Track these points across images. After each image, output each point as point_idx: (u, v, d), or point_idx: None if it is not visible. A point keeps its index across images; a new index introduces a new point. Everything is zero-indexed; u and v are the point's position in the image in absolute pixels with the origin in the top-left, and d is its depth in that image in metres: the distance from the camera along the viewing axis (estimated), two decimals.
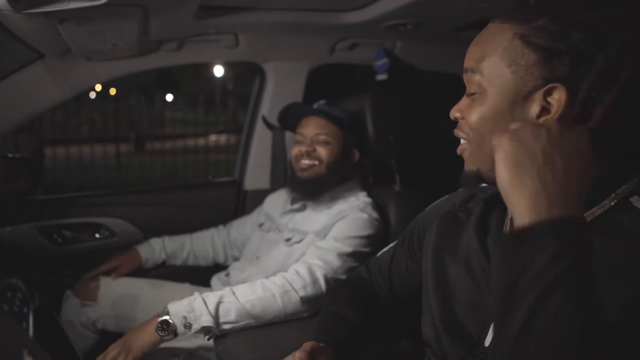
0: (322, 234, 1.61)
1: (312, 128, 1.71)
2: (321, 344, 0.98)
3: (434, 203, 1.11)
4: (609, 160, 0.73)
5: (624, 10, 0.69)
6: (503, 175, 0.64)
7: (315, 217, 1.69)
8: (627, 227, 0.68)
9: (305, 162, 1.70)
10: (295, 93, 2.25)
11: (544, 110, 0.72)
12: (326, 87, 2.54)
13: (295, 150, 1.74)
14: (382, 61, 2.20)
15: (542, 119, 0.72)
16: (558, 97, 0.71)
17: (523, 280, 0.58)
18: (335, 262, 1.50)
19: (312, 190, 1.70)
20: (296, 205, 1.77)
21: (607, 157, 0.72)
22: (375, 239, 1.60)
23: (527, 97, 0.73)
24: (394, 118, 1.83)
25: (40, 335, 0.89)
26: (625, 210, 0.71)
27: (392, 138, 1.80)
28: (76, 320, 1.72)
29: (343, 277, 1.49)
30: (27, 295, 0.92)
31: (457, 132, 0.84)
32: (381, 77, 2.22)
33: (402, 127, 1.83)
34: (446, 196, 1.08)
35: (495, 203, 0.90)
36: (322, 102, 1.78)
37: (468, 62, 0.80)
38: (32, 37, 1.56)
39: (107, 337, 1.73)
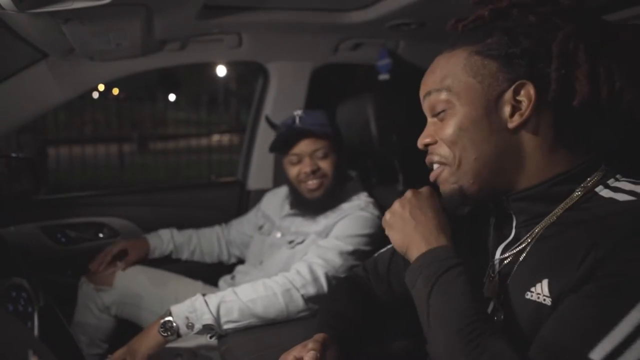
0: (324, 233, 1.61)
1: (307, 146, 1.65)
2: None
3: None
4: (575, 155, 0.79)
5: (555, 8, 0.77)
6: (396, 241, 0.91)
7: (317, 218, 1.69)
8: (597, 212, 0.74)
9: (314, 182, 1.65)
10: (299, 93, 2.25)
11: (515, 109, 0.79)
12: (329, 86, 2.54)
13: (295, 172, 1.67)
14: (385, 61, 2.19)
15: (517, 114, 0.78)
16: (526, 92, 0.77)
17: (417, 287, 0.83)
18: (336, 261, 1.50)
19: (324, 205, 1.68)
20: (296, 210, 1.77)
21: (575, 151, 0.79)
22: (377, 238, 1.60)
23: (497, 100, 0.79)
24: (397, 118, 1.82)
25: (45, 335, 0.89)
26: (592, 200, 0.76)
27: (395, 138, 1.79)
28: (93, 305, 1.77)
29: (344, 275, 1.49)
30: (31, 294, 0.93)
31: (431, 158, 0.89)
32: (383, 77, 2.22)
33: (405, 127, 1.82)
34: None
35: (482, 209, 0.95)
36: (298, 112, 1.72)
37: (428, 86, 0.86)
38: (36, 36, 1.56)
39: (125, 321, 1.78)
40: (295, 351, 0.94)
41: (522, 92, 0.78)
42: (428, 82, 0.87)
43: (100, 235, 2.09)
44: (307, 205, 1.70)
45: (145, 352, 1.32)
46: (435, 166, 0.88)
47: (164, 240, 1.94)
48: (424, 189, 0.92)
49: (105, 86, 7.08)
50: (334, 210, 1.66)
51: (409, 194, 0.92)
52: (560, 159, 0.79)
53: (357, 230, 1.57)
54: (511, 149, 0.80)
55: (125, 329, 1.41)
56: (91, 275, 1.80)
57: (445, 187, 0.86)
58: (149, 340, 1.33)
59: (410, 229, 0.88)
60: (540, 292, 0.74)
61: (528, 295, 0.75)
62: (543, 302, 0.73)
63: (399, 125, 1.80)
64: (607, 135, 0.82)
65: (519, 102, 0.78)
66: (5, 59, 1.82)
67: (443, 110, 0.84)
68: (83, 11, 1.21)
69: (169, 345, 1.36)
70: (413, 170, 1.86)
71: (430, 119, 0.89)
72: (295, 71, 2.23)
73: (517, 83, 0.77)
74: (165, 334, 1.32)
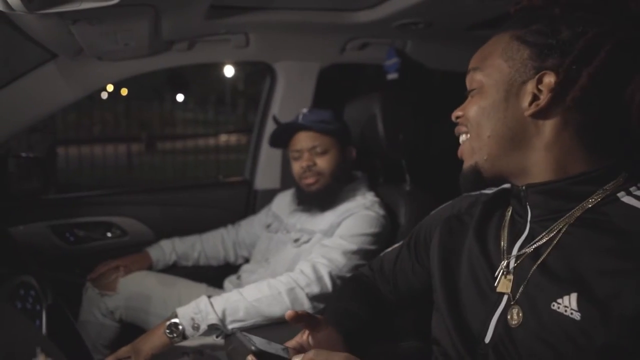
0: (330, 232, 1.62)
1: (306, 142, 1.70)
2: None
3: (441, 207, 1.12)
4: (598, 156, 0.78)
5: (604, 8, 0.76)
6: None
7: (322, 216, 1.69)
8: (614, 222, 0.73)
9: (310, 179, 1.69)
10: (306, 93, 2.25)
11: (535, 98, 0.79)
12: (336, 86, 2.53)
13: (296, 168, 1.73)
14: (393, 60, 2.19)
15: (534, 103, 0.79)
16: (547, 82, 0.78)
17: None
18: (340, 260, 1.50)
19: (322, 201, 1.71)
20: (300, 205, 1.78)
21: (597, 153, 0.79)
22: (382, 237, 1.60)
23: (520, 87, 0.81)
24: (404, 117, 1.82)
25: (53, 333, 0.90)
26: (612, 204, 0.75)
27: (402, 137, 1.79)
28: (96, 310, 1.78)
29: (348, 274, 1.49)
30: (40, 293, 0.93)
31: (458, 129, 0.91)
32: (391, 76, 2.22)
33: (412, 127, 1.82)
34: (451, 201, 1.10)
35: (495, 205, 0.95)
36: (304, 111, 1.77)
37: (472, 63, 0.89)
38: (45, 37, 1.57)
39: (128, 326, 1.78)
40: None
41: (544, 82, 0.78)
42: (474, 58, 0.89)
43: (109, 234, 2.10)
44: (307, 200, 1.73)
45: (149, 351, 1.33)
46: (462, 138, 0.90)
47: (166, 251, 1.94)
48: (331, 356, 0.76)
49: (113, 86, 7.12)
50: (340, 208, 1.66)
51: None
52: (581, 158, 0.79)
53: (362, 229, 1.57)
54: (526, 136, 0.81)
55: (129, 335, 1.42)
56: (95, 280, 1.81)
57: (466, 163, 0.88)
58: (154, 340, 1.34)
59: None
60: (568, 305, 0.71)
61: (555, 307, 0.72)
62: (571, 315, 0.70)
63: (406, 125, 1.79)
64: (633, 141, 0.80)
65: (540, 91, 0.79)
66: (15, 60, 1.84)
67: (474, 89, 0.86)
68: (91, 12, 1.22)
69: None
70: (420, 169, 1.86)
71: (466, 95, 0.91)
72: (302, 71, 2.23)
73: (541, 73, 0.78)
74: (171, 336, 1.33)
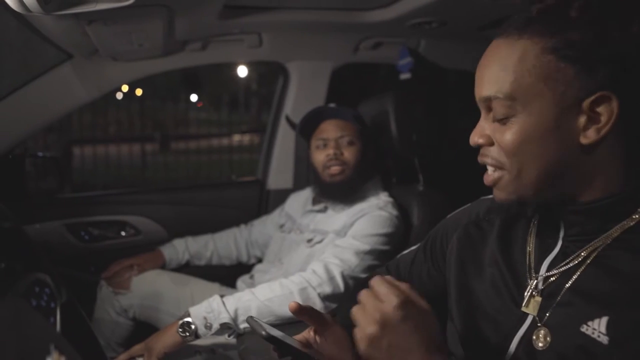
0: (343, 232, 1.61)
1: (334, 131, 1.69)
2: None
3: (457, 210, 1.08)
4: (637, 173, 0.71)
5: None
6: None
7: (336, 217, 1.69)
8: None
9: (336, 168, 1.67)
10: (319, 92, 2.25)
11: (591, 121, 0.68)
12: (349, 86, 2.53)
13: (322, 157, 1.69)
14: (406, 60, 2.18)
15: (592, 129, 0.68)
16: (608, 106, 0.67)
17: None
18: (352, 260, 1.50)
19: (344, 194, 1.69)
20: (317, 207, 1.77)
21: (637, 168, 0.71)
22: (395, 237, 1.59)
23: (570, 110, 0.68)
24: (417, 117, 1.81)
25: (67, 330, 0.91)
26: None
27: (415, 137, 1.78)
28: (110, 308, 1.80)
29: (361, 275, 1.49)
30: (54, 290, 0.94)
31: (484, 160, 0.78)
32: (404, 76, 2.21)
33: (425, 126, 1.81)
34: (469, 204, 1.05)
35: (519, 212, 0.86)
36: (331, 105, 1.77)
37: (487, 90, 0.73)
38: (61, 38, 1.59)
39: (142, 325, 1.80)
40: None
41: (603, 106, 0.67)
42: (484, 81, 0.74)
43: (123, 233, 2.12)
44: (330, 193, 1.70)
45: (161, 349, 1.34)
46: (490, 169, 0.78)
47: (179, 250, 1.95)
48: (388, 297, 0.68)
49: (128, 87, 7.18)
50: (353, 208, 1.66)
51: (375, 316, 0.67)
52: (625, 176, 0.71)
53: (374, 229, 1.56)
54: (580, 164, 0.71)
55: (142, 334, 1.43)
56: (109, 278, 1.83)
57: (501, 195, 0.77)
58: (167, 338, 1.35)
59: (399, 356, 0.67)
60: (597, 327, 0.67)
61: (584, 329, 0.68)
62: (598, 338, 0.66)
63: (419, 124, 1.78)
64: None
65: (597, 114, 0.67)
66: (32, 61, 1.86)
67: (505, 117, 0.72)
68: (106, 12, 1.23)
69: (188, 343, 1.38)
70: (433, 170, 1.85)
71: (485, 116, 0.77)
72: (315, 71, 2.23)
73: (598, 94, 0.66)
74: (184, 335, 1.34)
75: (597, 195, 0.72)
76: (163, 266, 1.92)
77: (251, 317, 0.89)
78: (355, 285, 1.44)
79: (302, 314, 0.86)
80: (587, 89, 0.67)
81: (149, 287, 1.79)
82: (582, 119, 0.68)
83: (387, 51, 2.19)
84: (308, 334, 0.93)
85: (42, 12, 1.12)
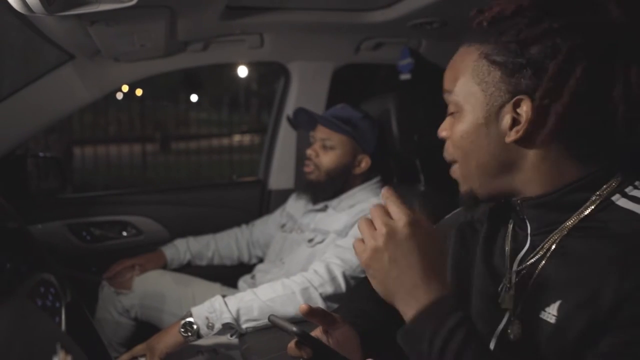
0: (344, 232, 1.62)
1: (321, 132, 1.75)
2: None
3: (454, 211, 1.10)
4: (586, 162, 0.75)
5: (574, 18, 0.71)
6: (380, 291, 0.73)
7: (336, 217, 1.69)
8: (609, 227, 0.71)
9: (308, 168, 1.77)
10: (320, 93, 2.26)
11: (515, 121, 0.75)
12: (351, 86, 2.53)
13: (308, 151, 1.79)
14: (406, 61, 2.18)
15: (513, 130, 0.75)
16: (525, 109, 0.74)
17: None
18: (354, 260, 1.50)
19: (313, 193, 1.77)
20: (318, 206, 1.78)
21: (586, 160, 0.75)
22: None
23: (498, 111, 0.77)
24: (419, 117, 1.81)
25: (72, 330, 0.91)
26: (609, 210, 0.73)
27: (417, 137, 1.78)
28: (112, 308, 1.81)
29: (362, 275, 1.49)
30: (59, 290, 0.95)
31: (444, 154, 0.87)
32: (404, 77, 2.21)
33: (426, 127, 1.81)
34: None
35: (501, 214, 0.91)
36: (340, 105, 1.79)
37: (445, 84, 0.84)
38: (64, 38, 1.59)
39: (143, 325, 1.80)
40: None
41: (522, 107, 0.74)
42: (446, 77, 0.85)
43: (124, 233, 2.12)
44: (302, 186, 1.84)
45: (163, 349, 1.34)
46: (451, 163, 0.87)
47: (181, 250, 1.95)
48: (398, 214, 0.72)
49: (128, 87, 7.18)
50: (355, 209, 1.66)
51: (377, 222, 0.72)
52: (571, 167, 0.76)
53: None
54: (513, 160, 0.78)
55: (144, 334, 1.44)
56: (111, 278, 1.84)
57: (461, 187, 0.85)
58: (169, 338, 1.35)
59: (392, 281, 0.70)
60: (552, 311, 0.72)
61: (542, 315, 0.73)
62: (550, 320, 0.71)
63: (420, 125, 1.79)
64: (624, 141, 0.76)
65: (519, 114, 0.75)
66: (34, 61, 1.87)
67: (454, 112, 0.83)
68: (109, 13, 1.23)
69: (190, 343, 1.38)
70: (435, 170, 1.85)
71: (447, 114, 0.87)
72: (316, 71, 2.23)
73: (515, 98, 0.74)
74: (186, 335, 1.34)
75: (546, 188, 0.77)
76: (164, 266, 1.92)
77: (274, 315, 0.89)
78: (357, 284, 1.44)
79: (313, 316, 0.88)
80: (510, 92, 0.75)
81: (150, 287, 1.80)
82: (507, 120, 0.76)
83: (388, 51, 2.19)
84: (319, 332, 0.94)
85: (45, 13, 1.12)
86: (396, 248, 0.70)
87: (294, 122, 1.91)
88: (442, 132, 0.87)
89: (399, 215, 0.72)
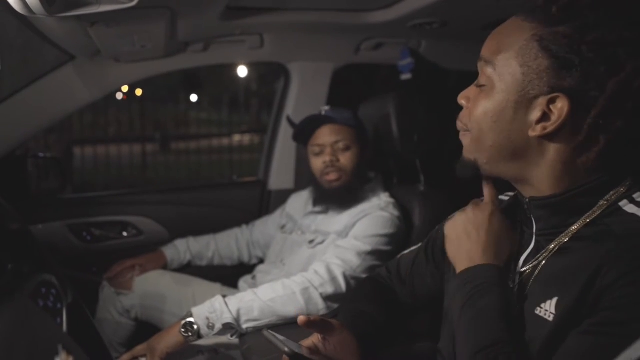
0: (344, 233, 1.62)
1: (329, 136, 1.67)
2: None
3: (458, 212, 1.10)
4: (599, 167, 0.75)
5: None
6: (451, 252, 0.91)
7: (337, 218, 1.69)
8: (615, 230, 0.70)
9: (332, 175, 1.67)
10: (320, 93, 2.26)
11: (545, 116, 0.73)
12: (351, 87, 2.54)
13: (319, 163, 1.69)
14: (407, 61, 2.18)
15: (540, 125, 0.74)
16: (560, 107, 0.72)
17: (454, 301, 0.85)
18: (354, 261, 1.50)
19: (342, 199, 1.69)
20: (318, 208, 1.77)
21: (598, 164, 0.74)
22: (397, 238, 1.59)
23: (531, 100, 0.74)
24: (419, 117, 1.81)
25: (73, 330, 0.91)
26: (615, 214, 0.73)
27: (417, 138, 1.78)
28: (113, 308, 1.81)
29: (363, 275, 1.49)
30: (60, 291, 0.95)
31: (458, 122, 0.87)
32: (405, 77, 2.21)
33: (426, 127, 1.81)
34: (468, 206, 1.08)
35: (509, 215, 0.92)
36: (326, 108, 1.75)
37: (484, 52, 0.81)
38: (64, 39, 1.60)
39: (144, 325, 1.80)
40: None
41: (557, 104, 0.72)
42: (487, 45, 0.81)
43: (124, 233, 2.12)
44: (328, 198, 1.71)
45: (164, 350, 1.34)
46: (462, 130, 0.87)
47: (181, 250, 1.95)
48: (485, 206, 0.90)
49: (128, 87, 7.18)
50: (355, 209, 1.66)
51: (469, 208, 0.91)
52: (583, 171, 0.75)
53: (376, 230, 1.56)
54: (529, 152, 0.77)
55: (144, 334, 1.44)
56: (112, 279, 1.84)
57: (465, 153, 0.85)
58: (169, 339, 1.35)
59: (461, 245, 0.88)
60: (548, 309, 0.73)
61: (537, 311, 0.75)
62: (546, 317, 0.73)
63: (420, 125, 1.79)
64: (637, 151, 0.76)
65: (551, 112, 0.73)
66: (34, 62, 1.87)
67: (484, 85, 0.80)
68: (109, 14, 1.23)
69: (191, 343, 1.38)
70: (435, 170, 1.85)
71: (475, 84, 0.85)
72: (316, 71, 2.23)
73: (555, 95, 0.71)
74: (186, 335, 1.34)
75: (553, 191, 0.77)
76: (165, 266, 1.92)
77: (268, 331, 0.89)
78: (357, 285, 1.44)
79: (312, 327, 0.90)
80: (550, 86, 0.72)
81: (151, 287, 1.80)
82: (537, 113, 0.74)
83: (389, 52, 2.19)
84: (316, 339, 0.94)
85: (45, 14, 1.12)
86: (474, 223, 0.88)
87: (295, 137, 1.83)
88: (462, 99, 0.85)
89: (484, 205, 0.90)
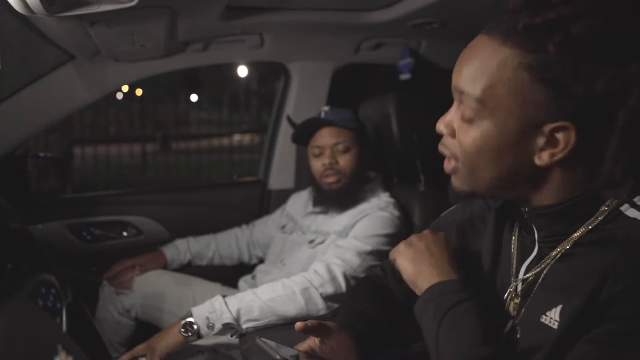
0: (344, 233, 1.62)
1: (329, 138, 1.68)
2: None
3: (451, 209, 1.10)
4: (599, 177, 0.72)
5: None
6: (406, 269, 0.89)
7: (337, 218, 1.69)
8: (618, 236, 0.69)
9: (331, 178, 1.67)
10: (320, 93, 2.26)
11: (549, 144, 0.70)
12: (351, 87, 2.53)
13: (318, 165, 1.69)
14: (407, 61, 2.18)
15: (547, 152, 0.70)
16: (567, 134, 0.68)
17: (423, 322, 0.84)
18: (354, 261, 1.50)
19: (342, 201, 1.69)
20: (318, 208, 1.77)
21: (598, 171, 0.72)
22: (397, 238, 1.59)
23: (532, 130, 0.70)
24: (419, 117, 1.81)
25: (73, 331, 0.91)
26: (617, 220, 0.71)
27: (417, 138, 1.78)
28: (113, 308, 1.81)
29: (363, 275, 1.49)
30: (60, 291, 0.95)
31: (442, 150, 0.81)
32: (404, 77, 2.21)
33: (427, 127, 1.81)
34: (462, 203, 1.07)
35: (508, 215, 0.90)
36: (325, 108, 1.75)
37: (464, 83, 0.73)
38: (64, 39, 1.60)
39: (144, 325, 1.80)
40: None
41: (563, 134, 0.68)
42: (465, 74, 0.73)
43: (125, 233, 2.12)
44: (327, 200, 1.71)
45: (164, 350, 1.34)
46: (448, 159, 0.81)
47: (181, 251, 1.95)
48: (441, 233, 0.93)
49: (128, 87, 7.19)
50: (355, 210, 1.66)
51: (426, 231, 0.94)
52: (584, 180, 0.73)
53: (376, 230, 1.56)
54: (533, 178, 0.74)
55: (144, 334, 1.44)
56: (112, 279, 1.84)
57: (457, 184, 0.80)
58: (169, 339, 1.35)
59: (423, 260, 0.87)
60: (553, 317, 0.72)
61: (543, 319, 0.74)
62: (552, 325, 0.72)
63: (421, 125, 1.79)
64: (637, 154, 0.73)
65: (556, 140, 0.68)
66: (34, 62, 1.87)
67: (471, 119, 0.73)
68: (109, 14, 1.23)
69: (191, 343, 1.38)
70: (435, 170, 1.85)
71: (456, 107, 0.78)
72: (317, 71, 2.23)
73: (560, 123, 0.67)
74: (186, 335, 1.34)
75: (554, 199, 0.75)
76: (165, 266, 1.92)
77: (261, 339, 0.88)
78: (355, 286, 1.44)
79: (310, 332, 0.89)
80: (553, 115, 0.67)
81: (151, 287, 1.80)
82: (541, 141, 0.70)
83: (389, 52, 2.19)
84: (313, 342, 0.94)
85: (46, 14, 1.12)
86: (433, 242, 0.90)
87: (294, 139, 1.83)
88: (444, 128, 0.79)
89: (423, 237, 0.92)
